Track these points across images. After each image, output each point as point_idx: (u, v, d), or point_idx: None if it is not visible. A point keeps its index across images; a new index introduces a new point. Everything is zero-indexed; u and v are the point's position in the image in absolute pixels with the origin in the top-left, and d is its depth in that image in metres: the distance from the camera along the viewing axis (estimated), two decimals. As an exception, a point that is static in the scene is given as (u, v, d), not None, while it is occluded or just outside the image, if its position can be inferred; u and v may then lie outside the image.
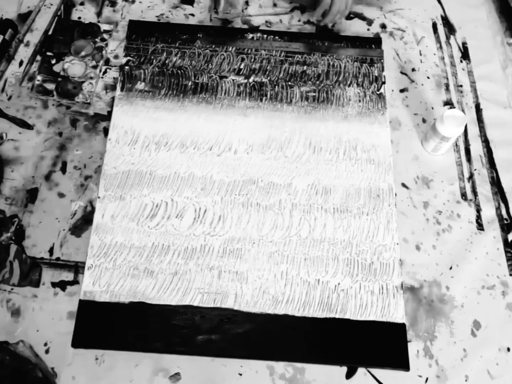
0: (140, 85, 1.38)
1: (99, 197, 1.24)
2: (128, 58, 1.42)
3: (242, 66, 1.43)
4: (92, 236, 1.21)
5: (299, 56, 1.46)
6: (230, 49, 1.46)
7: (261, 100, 1.39)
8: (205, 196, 1.26)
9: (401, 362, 1.13)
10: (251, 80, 1.41)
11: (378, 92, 1.42)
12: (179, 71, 1.41)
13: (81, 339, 1.12)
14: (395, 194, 1.29)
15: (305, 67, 1.44)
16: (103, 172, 1.27)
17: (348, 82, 1.43)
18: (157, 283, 1.17)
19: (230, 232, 1.23)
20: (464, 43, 1.56)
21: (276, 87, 1.41)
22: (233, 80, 1.41)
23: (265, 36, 1.48)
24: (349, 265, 1.21)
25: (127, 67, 1.40)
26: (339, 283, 1.19)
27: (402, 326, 1.16)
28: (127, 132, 1.32)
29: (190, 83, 1.40)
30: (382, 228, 1.25)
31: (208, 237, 1.22)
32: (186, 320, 1.14)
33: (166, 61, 1.42)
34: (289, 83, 1.41)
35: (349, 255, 1.22)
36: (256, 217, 1.25)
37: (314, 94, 1.40)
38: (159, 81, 1.39)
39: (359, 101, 1.40)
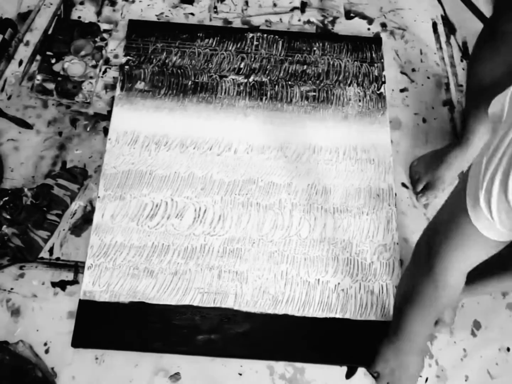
0: (140, 85, 1.38)
1: (99, 197, 1.24)
2: (128, 57, 1.42)
3: (242, 66, 1.43)
4: (92, 235, 1.21)
5: (299, 56, 1.46)
6: (230, 48, 1.46)
7: (261, 99, 1.39)
8: (205, 196, 1.26)
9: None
10: (251, 79, 1.41)
11: (378, 92, 1.42)
12: (179, 71, 1.41)
13: (81, 339, 1.12)
14: (395, 194, 1.29)
15: (305, 67, 1.44)
16: (103, 171, 1.27)
17: (348, 82, 1.43)
18: (157, 283, 1.17)
19: (230, 232, 1.23)
20: (464, 43, 1.55)
21: (276, 86, 1.41)
22: (233, 79, 1.41)
23: (265, 35, 1.48)
24: (349, 265, 1.21)
25: (127, 67, 1.40)
26: (339, 283, 1.19)
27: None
28: (127, 131, 1.32)
29: (190, 83, 1.40)
30: (382, 228, 1.25)
31: (208, 237, 1.22)
32: (186, 320, 1.14)
33: (166, 61, 1.42)
34: (289, 82, 1.41)
35: (349, 255, 1.22)
36: (256, 217, 1.25)
37: (314, 93, 1.40)
38: (159, 80, 1.39)
39: (359, 100, 1.40)
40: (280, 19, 1.55)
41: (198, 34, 1.46)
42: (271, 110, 1.38)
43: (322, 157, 1.32)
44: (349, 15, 1.57)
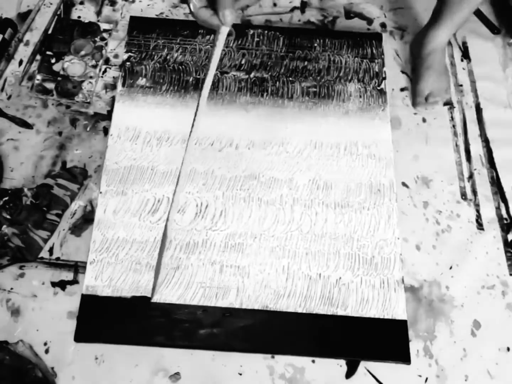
0: (142, 81, 1.39)
1: (101, 192, 1.24)
2: (130, 54, 1.42)
3: (243, 62, 1.43)
4: (94, 231, 1.21)
5: (300, 52, 1.46)
6: (231, 44, 1.46)
7: (262, 95, 1.39)
8: (206, 191, 1.26)
9: (402, 355, 1.13)
10: (252, 75, 1.42)
11: (378, 88, 1.42)
12: (180, 67, 1.41)
13: (83, 334, 1.12)
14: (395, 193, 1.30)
15: (306, 63, 1.44)
16: (105, 167, 1.27)
17: (349, 78, 1.43)
18: (159, 278, 1.16)
19: (232, 227, 1.23)
20: (464, 43, 1.56)
21: (277, 82, 1.41)
22: (234, 75, 1.41)
23: (266, 32, 1.48)
24: (350, 259, 1.21)
25: (128, 63, 1.41)
26: (340, 278, 1.19)
27: (403, 320, 1.16)
28: (128, 127, 1.32)
29: (191, 79, 1.40)
30: (383, 222, 1.25)
31: (209, 232, 1.22)
32: (188, 315, 1.14)
33: (167, 57, 1.42)
34: (290, 78, 1.42)
35: (350, 249, 1.22)
36: (257, 212, 1.25)
37: (315, 89, 1.41)
38: (161, 76, 1.40)
39: (360, 96, 1.41)
40: (280, 19, 1.56)
41: (199, 31, 1.47)
42: (272, 106, 1.38)
43: (323, 153, 1.32)
44: (349, 15, 1.58)
